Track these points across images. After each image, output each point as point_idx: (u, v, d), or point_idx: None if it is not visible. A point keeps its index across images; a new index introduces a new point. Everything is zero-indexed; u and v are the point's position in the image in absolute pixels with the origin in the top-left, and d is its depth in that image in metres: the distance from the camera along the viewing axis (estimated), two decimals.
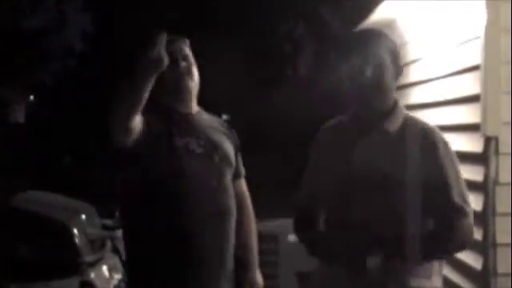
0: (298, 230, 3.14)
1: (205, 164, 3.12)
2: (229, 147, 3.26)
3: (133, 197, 3.13)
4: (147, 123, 3.02)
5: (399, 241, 2.81)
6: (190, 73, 3.16)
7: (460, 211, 2.90)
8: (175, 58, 3.10)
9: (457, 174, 2.94)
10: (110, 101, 2.93)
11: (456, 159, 2.99)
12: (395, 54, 2.96)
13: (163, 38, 2.84)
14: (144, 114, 2.97)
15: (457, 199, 2.90)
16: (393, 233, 2.82)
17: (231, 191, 3.23)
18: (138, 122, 2.95)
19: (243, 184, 3.39)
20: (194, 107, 3.23)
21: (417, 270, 2.87)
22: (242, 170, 3.37)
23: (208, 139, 3.17)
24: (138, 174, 3.06)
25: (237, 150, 3.33)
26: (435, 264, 2.98)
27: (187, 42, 3.22)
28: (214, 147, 3.17)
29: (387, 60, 2.91)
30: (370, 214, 2.84)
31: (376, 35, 2.98)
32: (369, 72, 2.87)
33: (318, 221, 3.09)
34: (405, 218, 2.84)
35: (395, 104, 2.98)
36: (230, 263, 3.21)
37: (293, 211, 3.17)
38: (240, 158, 3.38)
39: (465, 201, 2.93)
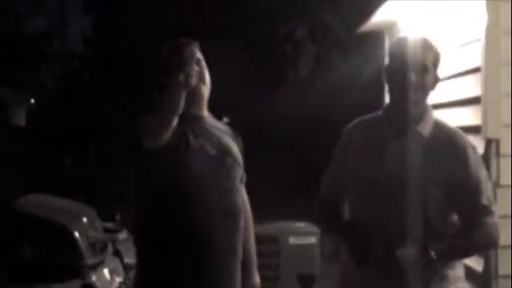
0: (321, 219, 3.39)
1: (219, 165, 3.19)
2: (237, 151, 3.33)
3: (150, 196, 3.17)
4: None
5: (429, 238, 2.91)
6: (202, 77, 3.20)
7: (487, 211, 3.03)
8: (187, 61, 3.11)
9: (484, 177, 3.08)
10: (144, 106, 3.05)
11: (482, 163, 3.11)
12: (437, 63, 3.07)
13: (192, 59, 3.02)
14: None
15: (484, 201, 3.03)
16: (423, 231, 2.92)
17: (242, 193, 3.33)
18: None
19: (243, 188, 3.43)
20: (205, 110, 3.29)
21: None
22: (244, 175, 3.40)
23: (219, 142, 3.23)
24: (158, 174, 3.10)
25: (242, 154, 3.39)
26: (457, 268, 3.08)
27: (198, 45, 3.25)
28: (225, 150, 3.23)
29: (431, 67, 3.02)
30: (402, 213, 2.95)
31: (423, 42, 3.08)
32: (413, 76, 2.97)
33: (341, 212, 3.23)
34: (435, 216, 2.98)
35: (426, 108, 3.10)
36: (240, 262, 3.27)
37: (316, 201, 3.29)
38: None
39: (490, 202, 3.06)
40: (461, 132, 3.13)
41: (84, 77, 24.52)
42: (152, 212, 3.16)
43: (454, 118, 5.03)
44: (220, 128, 3.34)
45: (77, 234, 6.57)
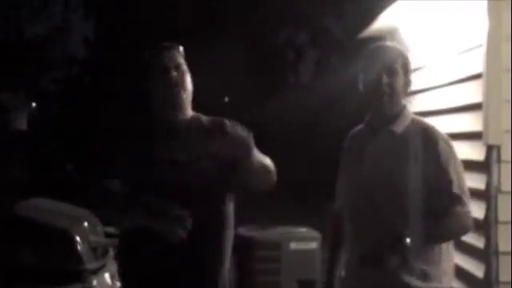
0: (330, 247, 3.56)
1: (189, 172, 3.04)
2: (222, 155, 3.05)
3: None
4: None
5: (405, 227, 3.07)
6: (181, 83, 3.11)
7: (458, 200, 3.17)
8: (167, 68, 3.09)
9: (457, 167, 3.22)
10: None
11: (455, 155, 3.25)
12: (406, 67, 3.29)
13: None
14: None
15: (456, 190, 3.16)
16: (400, 222, 3.09)
17: (222, 199, 3.13)
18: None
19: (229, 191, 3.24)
20: (187, 114, 3.17)
21: (425, 255, 3.15)
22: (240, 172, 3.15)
23: (196, 146, 3.07)
24: (124, 185, 3.08)
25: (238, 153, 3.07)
26: (443, 263, 3.22)
27: (181, 49, 3.19)
28: (202, 154, 3.05)
29: (400, 70, 3.24)
30: (380, 207, 3.16)
31: (393, 48, 3.35)
32: (385, 80, 3.20)
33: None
34: (410, 207, 3.12)
35: (403, 108, 3.30)
36: (220, 271, 3.13)
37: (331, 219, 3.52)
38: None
39: (463, 191, 3.20)
40: (433, 126, 3.31)
41: (85, 81, 24.55)
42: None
43: (455, 124, 5.03)
44: (206, 130, 3.09)
45: (78, 239, 6.56)
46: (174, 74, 3.11)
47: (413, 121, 3.29)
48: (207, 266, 3.09)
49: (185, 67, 3.17)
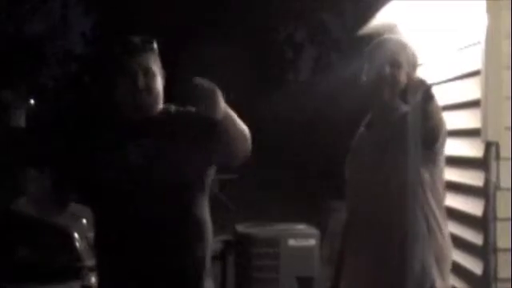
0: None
1: (146, 174, 2.96)
2: (190, 142, 2.99)
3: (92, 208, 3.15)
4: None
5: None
6: (148, 88, 3.02)
7: None
8: (134, 71, 3.02)
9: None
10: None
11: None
12: (410, 61, 3.31)
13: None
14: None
15: None
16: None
17: (184, 202, 3.00)
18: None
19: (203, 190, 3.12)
20: (155, 111, 3.06)
21: None
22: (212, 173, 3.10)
23: (159, 146, 3.00)
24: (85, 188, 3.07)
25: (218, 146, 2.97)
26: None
27: (154, 47, 3.10)
28: (162, 154, 2.98)
29: (404, 63, 3.25)
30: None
31: (398, 42, 3.36)
32: (388, 71, 3.19)
33: None
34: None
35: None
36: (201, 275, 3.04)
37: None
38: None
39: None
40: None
41: (84, 78, 24.54)
42: (99, 215, 3.10)
43: (454, 121, 5.03)
44: (175, 125, 3.04)
45: (76, 236, 6.58)
46: (141, 78, 3.01)
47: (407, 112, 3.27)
48: (186, 269, 3.00)
49: (155, 70, 3.06)
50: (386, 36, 3.48)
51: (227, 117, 2.90)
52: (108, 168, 2.99)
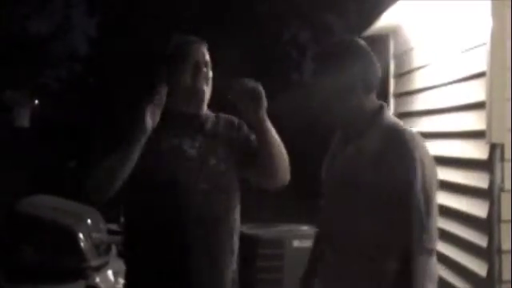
0: None
1: (196, 166, 2.99)
2: (232, 151, 3.09)
3: (128, 199, 3.06)
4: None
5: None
6: (208, 80, 3.08)
7: None
8: (197, 62, 3.04)
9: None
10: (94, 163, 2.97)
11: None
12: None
13: (147, 109, 2.87)
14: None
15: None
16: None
17: (231, 196, 3.08)
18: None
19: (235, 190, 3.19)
20: (204, 109, 3.12)
21: None
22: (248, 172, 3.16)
23: (207, 141, 3.06)
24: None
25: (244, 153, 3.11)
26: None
27: (206, 45, 3.14)
28: (212, 150, 3.04)
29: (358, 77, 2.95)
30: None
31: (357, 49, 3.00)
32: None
33: None
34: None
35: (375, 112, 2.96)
36: (225, 271, 3.08)
37: None
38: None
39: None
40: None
41: (88, 78, 24.55)
42: (132, 215, 3.08)
43: (459, 123, 5.03)
44: (217, 127, 3.12)
45: (81, 236, 6.58)
46: (205, 70, 3.06)
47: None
48: (218, 266, 3.03)
49: (210, 64, 3.12)
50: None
51: (271, 142, 3.03)
52: (161, 158, 2.97)
